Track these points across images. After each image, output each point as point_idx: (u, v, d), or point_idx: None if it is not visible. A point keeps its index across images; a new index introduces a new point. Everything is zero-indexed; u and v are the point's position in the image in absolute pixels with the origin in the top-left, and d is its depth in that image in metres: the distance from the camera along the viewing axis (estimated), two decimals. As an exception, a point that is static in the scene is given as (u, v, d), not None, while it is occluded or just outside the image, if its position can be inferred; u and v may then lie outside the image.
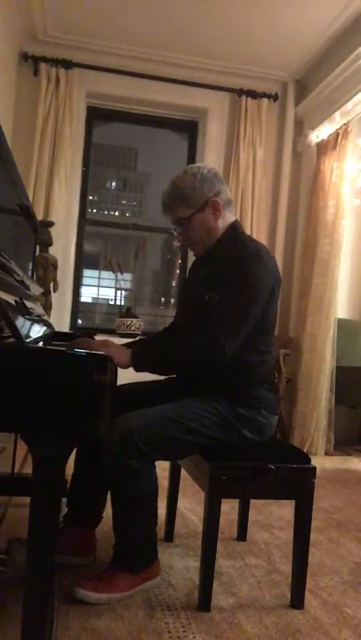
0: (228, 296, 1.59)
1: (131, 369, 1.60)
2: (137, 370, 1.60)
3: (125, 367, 1.58)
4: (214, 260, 1.73)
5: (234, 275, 1.61)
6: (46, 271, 3.52)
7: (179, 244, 1.84)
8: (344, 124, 3.70)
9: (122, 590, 1.54)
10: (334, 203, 3.75)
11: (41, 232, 3.23)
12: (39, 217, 3.54)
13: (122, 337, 3.84)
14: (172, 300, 4.77)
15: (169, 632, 1.39)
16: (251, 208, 4.03)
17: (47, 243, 3.54)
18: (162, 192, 1.78)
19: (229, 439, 1.62)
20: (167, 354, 1.67)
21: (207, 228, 1.72)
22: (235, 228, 1.75)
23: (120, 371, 1.52)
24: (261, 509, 2.39)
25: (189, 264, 4.26)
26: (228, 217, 1.75)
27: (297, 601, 1.58)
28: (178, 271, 4.53)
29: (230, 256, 1.65)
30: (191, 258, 4.29)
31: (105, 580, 1.54)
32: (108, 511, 1.88)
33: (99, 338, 1.98)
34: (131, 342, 1.82)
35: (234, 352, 1.57)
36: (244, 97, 4.11)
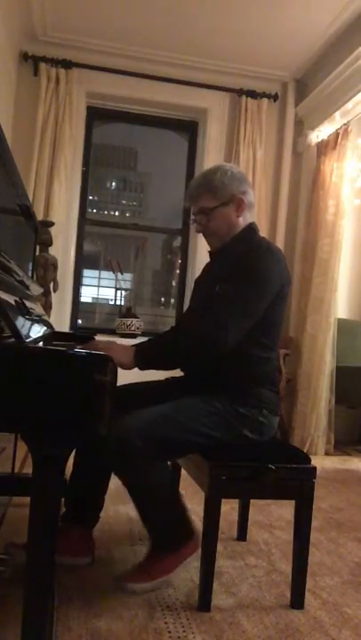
0: (237, 286, 1.61)
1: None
2: (141, 368, 1.61)
3: (129, 367, 1.58)
4: (228, 256, 1.76)
5: (245, 267, 1.64)
6: (46, 271, 3.52)
7: (200, 232, 1.85)
8: (344, 124, 3.70)
9: (170, 571, 1.60)
10: (334, 203, 3.75)
11: (41, 232, 3.23)
12: (39, 217, 3.54)
13: (122, 337, 3.84)
14: (172, 300, 4.77)
15: (169, 632, 1.39)
16: (251, 208, 4.03)
17: (47, 243, 3.54)
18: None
19: (229, 439, 1.62)
20: (170, 342, 1.70)
21: (228, 223, 1.76)
22: (252, 229, 1.80)
23: (120, 371, 1.52)
24: (261, 509, 2.39)
25: (190, 264, 4.30)
26: (249, 218, 1.80)
27: (297, 601, 1.58)
28: (178, 271, 4.52)
29: (244, 252, 1.68)
30: (192, 258, 4.31)
31: (150, 567, 1.59)
32: (105, 511, 1.89)
33: (99, 338, 1.98)
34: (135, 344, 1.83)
35: (237, 341, 1.57)
36: (244, 97, 4.11)
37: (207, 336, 1.58)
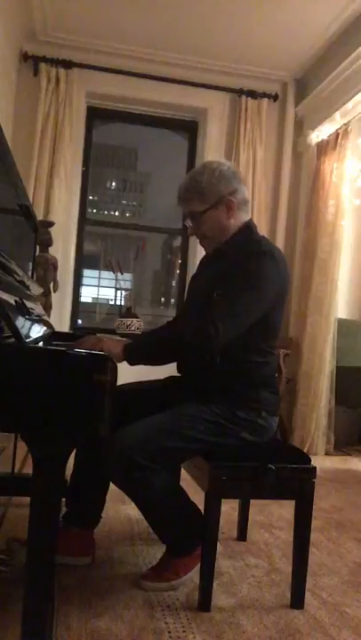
0: (233, 288, 1.58)
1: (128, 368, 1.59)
2: (131, 362, 1.57)
3: (119, 359, 1.54)
4: (225, 258, 1.72)
5: (244, 271, 1.60)
6: (46, 271, 3.52)
7: (192, 235, 1.82)
8: (344, 124, 3.70)
9: (183, 574, 1.62)
10: (334, 203, 3.75)
11: (41, 232, 3.23)
12: (39, 217, 3.54)
13: (122, 337, 3.84)
14: (173, 300, 4.77)
15: (169, 632, 1.39)
16: (251, 208, 4.02)
17: (47, 243, 3.54)
18: (178, 186, 1.77)
19: (228, 442, 1.61)
20: (161, 338, 1.67)
21: (219, 226, 1.71)
22: (249, 228, 1.75)
23: (120, 370, 1.51)
24: (261, 509, 2.38)
25: (190, 264, 4.30)
26: (242, 217, 1.74)
27: (297, 601, 1.58)
28: (178, 271, 4.53)
29: (243, 254, 1.63)
30: (192, 258, 4.31)
31: (163, 569, 1.62)
32: (107, 511, 1.89)
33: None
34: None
35: (229, 341, 1.53)
36: (244, 97, 4.11)
37: (198, 333, 1.54)
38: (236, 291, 1.57)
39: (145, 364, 1.62)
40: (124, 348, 1.57)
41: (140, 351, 1.60)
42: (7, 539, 1.51)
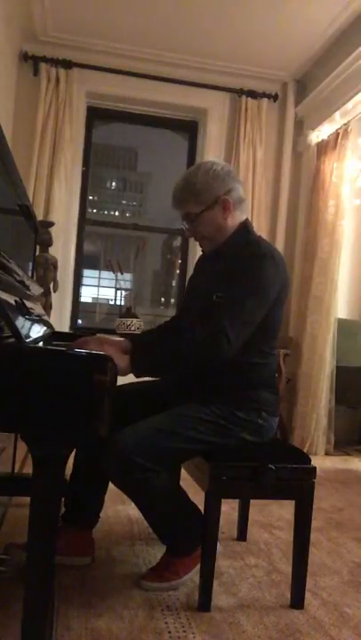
0: (237, 293, 1.57)
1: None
2: (137, 376, 1.56)
3: (124, 374, 1.51)
4: (224, 259, 1.71)
5: (245, 273, 1.59)
6: (46, 271, 3.52)
7: (190, 237, 1.81)
8: (344, 124, 3.70)
9: (183, 575, 1.63)
10: (334, 203, 3.75)
11: (41, 232, 3.23)
12: (39, 217, 3.54)
13: (122, 337, 3.84)
14: (173, 300, 4.78)
15: (169, 632, 1.39)
16: (251, 208, 4.03)
17: (47, 243, 3.54)
18: (173, 187, 1.76)
19: (228, 443, 1.61)
20: (169, 351, 1.61)
21: (216, 226, 1.70)
22: (246, 228, 1.74)
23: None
24: (261, 509, 2.38)
25: (190, 264, 4.30)
26: (239, 216, 1.74)
27: (297, 601, 1.58)
28: (178, 271, 4.53)
29: (242, 256, 1.62)
30: (192, 258, 4.31)
31: (163, 569, 1.62)
32: (105, 511, 1.89)
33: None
34: (129, 339, 1.78)
35: (239, 349, 1.54)
36: (244, 97, 4.11)
37: (209, 346, 1.52)
38: (241, 295, 1.56)
39: (152, 377, 1.64)
40: (131, 361, 1.52)
41: (146, 366, 1.56)
42: (6, 544, 1.51)
